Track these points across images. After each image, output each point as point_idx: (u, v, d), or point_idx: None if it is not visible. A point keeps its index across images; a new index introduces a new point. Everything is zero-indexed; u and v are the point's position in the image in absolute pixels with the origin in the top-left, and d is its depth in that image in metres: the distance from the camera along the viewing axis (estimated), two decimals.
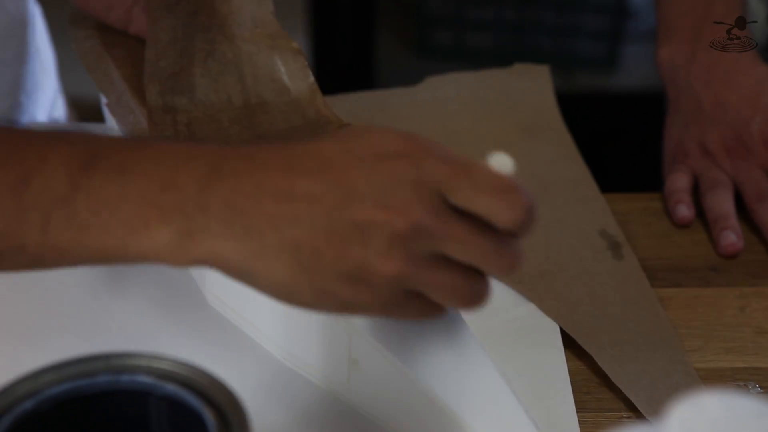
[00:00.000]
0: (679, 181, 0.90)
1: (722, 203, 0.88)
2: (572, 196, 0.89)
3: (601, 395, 0.72)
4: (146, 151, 0.55)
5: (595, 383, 0.73)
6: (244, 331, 0.74)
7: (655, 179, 0.96)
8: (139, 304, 0.76)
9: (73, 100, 1.16)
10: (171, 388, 0.52)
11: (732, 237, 0.85)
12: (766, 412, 0.42)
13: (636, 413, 0.70)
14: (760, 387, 0.73)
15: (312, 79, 0.80)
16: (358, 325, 0.66)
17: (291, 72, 0.81)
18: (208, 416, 0.51)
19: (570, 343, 0.75)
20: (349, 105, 0.96)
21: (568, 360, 0.73)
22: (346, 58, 2.01)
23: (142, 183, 0.53)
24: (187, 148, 0.55)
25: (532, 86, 1.01)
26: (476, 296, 0.55)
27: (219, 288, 0.75)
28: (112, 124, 0.87)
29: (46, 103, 1.05)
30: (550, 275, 0.81)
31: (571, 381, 0.72)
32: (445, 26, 2.08)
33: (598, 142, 1.76)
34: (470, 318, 0.68)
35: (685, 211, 0.88)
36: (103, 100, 0.86)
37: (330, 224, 0.53)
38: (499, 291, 0.79)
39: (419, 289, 0.54)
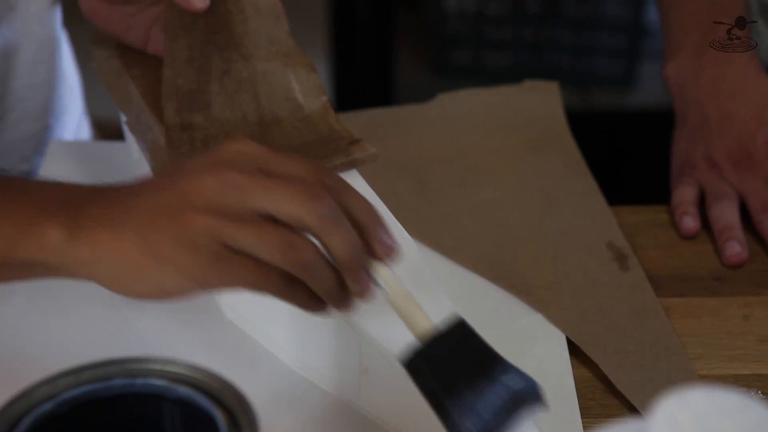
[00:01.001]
0: (685, 194, 0.92)
1: (727, 214, 0.89)
2: (580, 210, 0.91)
3: (606, 401, 0.73)
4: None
5: (600, 390, 0.74)
6: (258, 341, 0.76)
7: (667, 193, 0.97)
8: (155, 315, 0.77)
9: (97, 121, 1.19)
10: (183, 390, 0.54)
11: (737, 247, 0.86)
12: (749, 405, 0.44)
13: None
14: (762, 393, 0.74)
15: (325, 97, 0.82)
16: (369, 332, 0.67)
17: (304, 90, 0.82)
18: (219, 417, 0.52)
19: (575, 351, 0.76)
20: (363, 121, 0.98)
21: (573, 367, 0.75)
22: (365, 77, 2.02)
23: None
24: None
25: (541, 102, 1.03)
26: (296, 250, 0.58)
27: (235, 301, 0.77)
28: (131, 142, 0.89)
29: (72, 125, 1.08)
30: (557, 286, 0.82)
31: (576, 388, 0.73)
32: (464, 46, 2.09)
33: (615, 159, 1.78)
34: (478, 328, 0.69)
35: (690, 222, 0.90)
36: (123, 117, 0.88)
37: (164, 200, 0.59)
38: (507, 301, 0.81)
39: (240, 244, 0.58)
